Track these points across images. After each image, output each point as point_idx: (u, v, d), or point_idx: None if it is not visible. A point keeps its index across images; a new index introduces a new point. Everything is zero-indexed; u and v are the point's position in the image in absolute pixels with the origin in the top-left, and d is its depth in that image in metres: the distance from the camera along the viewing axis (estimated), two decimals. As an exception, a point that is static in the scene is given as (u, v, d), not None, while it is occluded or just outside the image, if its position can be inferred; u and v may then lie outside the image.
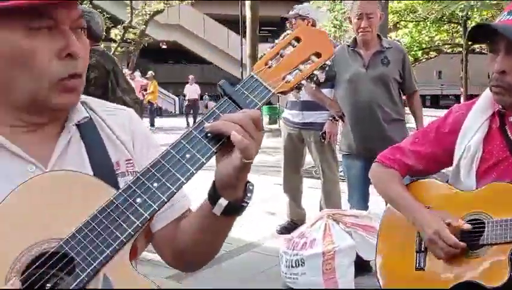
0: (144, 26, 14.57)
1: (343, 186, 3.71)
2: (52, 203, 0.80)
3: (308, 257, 2.95)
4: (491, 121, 1.55)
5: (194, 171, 0.82)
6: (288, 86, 0.91)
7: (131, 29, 14.07)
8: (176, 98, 29.38)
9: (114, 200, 0.79)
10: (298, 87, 0.93)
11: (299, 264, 2.99)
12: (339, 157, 3.86)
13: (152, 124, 15.70)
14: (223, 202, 0.86)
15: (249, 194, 0.88)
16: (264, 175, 6.27)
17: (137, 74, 16.62)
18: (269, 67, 0.91)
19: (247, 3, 13.13)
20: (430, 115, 11.96)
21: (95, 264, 0.75)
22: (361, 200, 3.40)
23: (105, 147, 0.97)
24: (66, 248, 0.76)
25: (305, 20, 4.09)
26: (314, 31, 0.98)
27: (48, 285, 0.75)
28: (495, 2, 15.35)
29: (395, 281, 1.63)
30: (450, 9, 16.12)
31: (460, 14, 17.03)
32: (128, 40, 13.84)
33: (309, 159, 4.29)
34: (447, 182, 1.65)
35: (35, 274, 0.75)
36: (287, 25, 4.23)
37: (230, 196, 0.86)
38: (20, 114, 0.90)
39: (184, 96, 18.22)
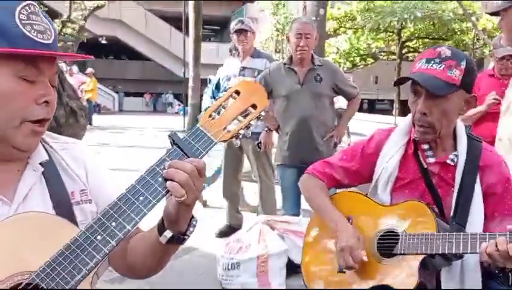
0: (84, 22, 14.03)
1: (280, 190, 3.91)
2: (23, 241, 0.94)
3: (243, 260, 3.15)
4: (407, 146, 1.81)
5: (147, 212, 0.96)
6: (229, 135, 1.04)
7: (69, 24, 13.55)
8: (116, 95, 28.48)
9: (78, 238, 0.93)
10: (237, 136, 1.07)
11: (235, 267, 3.18)
12: (275, 165, 4.09)
13: (90, 122, 15.08)
14: (167, 234, 1.02)
15: (191, 229, 1.04)
16: (205, 178, 6.34)
17: (75, 68, 15.98)
18: (212, 118, 1.04)
19: (191, 3, 12.81)
20: (366, 120, 12.45)
21: None
22: (294, 207, 3.65)
23: (62, 181, 1.11)
24: (37, 280, 0.90)
25: (247, 32, 4.20)
26: (251, 84, 1.10)
27: None
28: (426, 14, 16.42)
29: (319, 282, 1.81)
30: (386, 21, 17.03)
31: (396, 24, 18.00)
32: (66, 35, 13.30)
33: (248, 164, 4.47)
34: (366, 195, 1.89)
35: None
36: (233, 36, 4.24)
37: (175, 229, 1.02)
38: None
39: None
